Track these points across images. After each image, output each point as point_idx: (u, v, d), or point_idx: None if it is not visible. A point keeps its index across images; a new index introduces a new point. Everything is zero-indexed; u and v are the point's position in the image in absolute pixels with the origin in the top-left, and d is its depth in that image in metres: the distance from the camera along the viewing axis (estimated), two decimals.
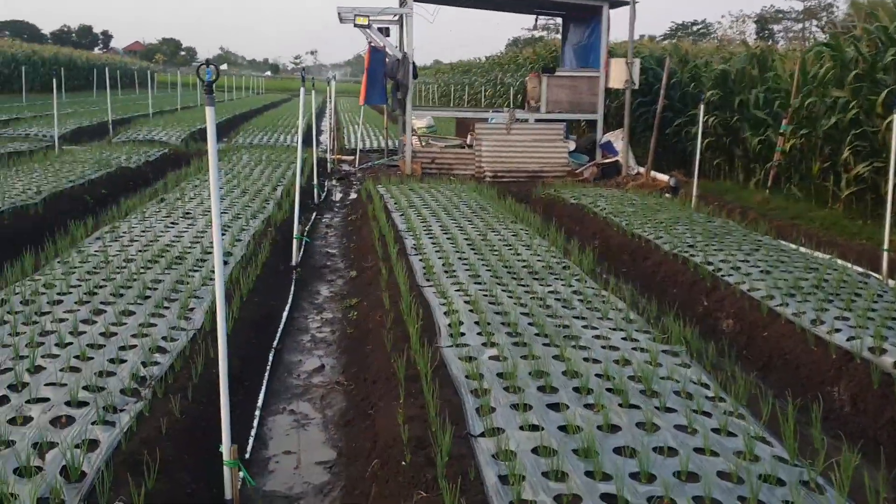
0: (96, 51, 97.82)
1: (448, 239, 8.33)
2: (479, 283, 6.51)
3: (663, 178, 14.25)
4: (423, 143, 16.94)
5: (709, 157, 15.86)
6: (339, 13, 15.54)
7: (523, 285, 6.52)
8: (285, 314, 6.55)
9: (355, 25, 15.11)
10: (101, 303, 5.42)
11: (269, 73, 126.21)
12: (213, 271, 6.54)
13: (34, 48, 50.73)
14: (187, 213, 8.96)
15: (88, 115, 25.37)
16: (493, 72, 33.41)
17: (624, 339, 5.16)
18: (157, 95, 35.71)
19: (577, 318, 5.61)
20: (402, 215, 9.77)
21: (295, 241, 8.31)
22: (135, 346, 4.63)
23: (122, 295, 5.64)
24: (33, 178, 10.87)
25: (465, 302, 5.90)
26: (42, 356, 4.36)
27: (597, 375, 4.43)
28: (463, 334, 5.16)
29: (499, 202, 11.25)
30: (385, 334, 5.46)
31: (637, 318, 5.70)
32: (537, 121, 15.92)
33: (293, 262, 8.15)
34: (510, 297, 6.10)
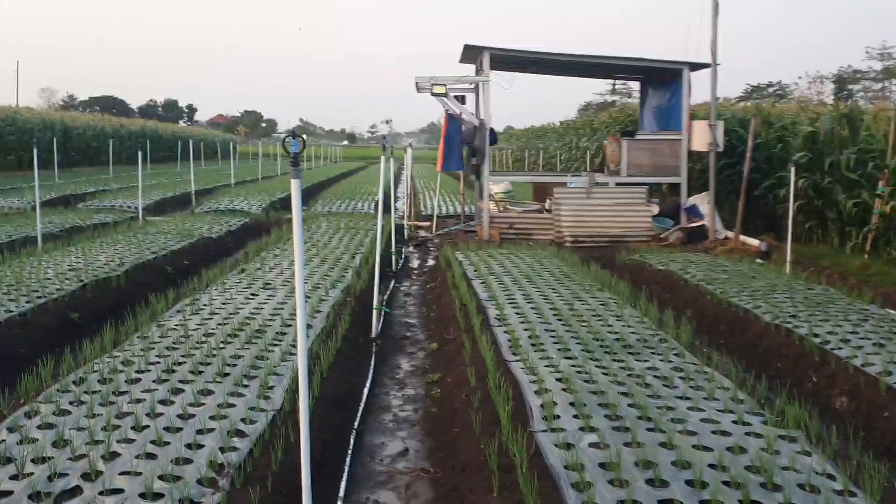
0: (181, 124, 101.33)
1: (532, 309, 8.02)
2: (570, 358, 6.17)
3: (753, 242, 13.73)
4: (501, 209, 16.74)
5: (800, 221, 15.25)
6: (416, 83, 15.61)
7: (618, 360, 6.15)
8: (366, 391, 6.28)
9: (432, 94, 15.13)
10: (180, 381, 5.24)
11: (346, 142, 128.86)
12: (294, 345, 6.37)
13: (122, 122, 52.48)
14: (267, 284, 8.86)
15: (172, 186, 25.97)
16: (568, 136, 33.26)
17: (734, 422, 4.75)
18: (238, 166, 36.53)
19: (680, 398, 5.22)
20: (482, 283, 9.51)
21: (375, 311, 8.10)
22: (213, 429, 4.40)
23: (201, 372, 5.46)
24: (117, 249, 10.97)
25: (557, 380, 5.56)
26: (118, 441, 4.16)
27: (710, 466, 4.04)
28: (558, 416, 4.81)
29: (582, 268, 10.91)
30: (472, 415, 5.15)
31: (746, 398, 5.27)
32: (618, 184, 15.59)
33: (373, 334, 7.92)
34: (605, 374, 5.74)
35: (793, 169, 11.82)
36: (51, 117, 39.41)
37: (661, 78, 16.64)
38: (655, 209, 15.96)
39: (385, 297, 9.90)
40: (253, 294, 8.30)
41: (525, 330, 7.10)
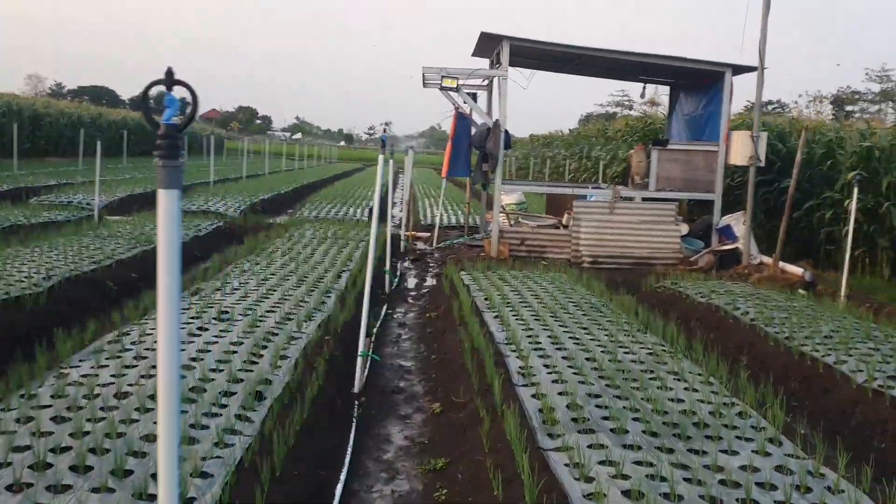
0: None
1: (564, 358, 6.16)
2: (631, 448, 4.32)
3: (795, 270, 11.87)
4: (512, 222, 14.86)
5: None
6: (423, 75, 13.73)
7: (697, 452, 4.32)
8: (339, 490, 4.35)
9: (441, 88, 13.16)
10: (48, 488, 3.31)
11: (343, 142, 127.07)
12: (243, 411, 4.49)
13: (101, 111, 49.55)
14: (224, 313, 6.91)
15: (145, 181, 23.61)
16: (579, 144, 31.36)
17: None
18: (224, 162, 34.60)
19: None
20: (496, 316, 7.64)
21: (360, 358, 6.17)
22: None
23: (88, 468, 3.52)
24: (51, 256, 8.95)
25: (624, 493, 3.68)
26: None
27: None
28: None
29: (612, 299, 9.07)
30: None
31: None
32: (644, 199, 13.71)
33: (355, 389, 6.01)
34: (688, 480, 3.89)
35: (855, 188, 10.12)
36: (18, 102, 36.83)
37: (698, 82, 14.73)
38: (685, 228, 14.12)
39: (375, 330, 8.00)
40: (201, 328, 6.34)
41: (560, 394, 5.24)
